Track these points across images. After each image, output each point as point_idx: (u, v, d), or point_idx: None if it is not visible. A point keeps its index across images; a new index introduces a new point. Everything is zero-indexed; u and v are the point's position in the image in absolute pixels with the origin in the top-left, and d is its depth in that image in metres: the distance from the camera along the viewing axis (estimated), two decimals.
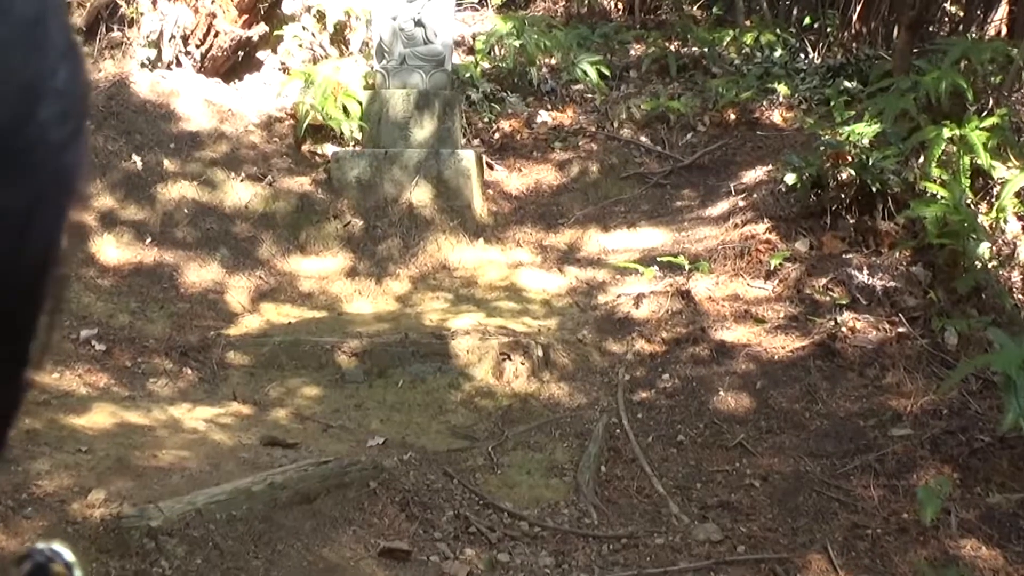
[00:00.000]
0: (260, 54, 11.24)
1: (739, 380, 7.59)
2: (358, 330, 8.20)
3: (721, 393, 7.49)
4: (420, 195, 9.72)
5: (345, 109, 10.23)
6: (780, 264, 8.57)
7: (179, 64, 10.70)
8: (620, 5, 15.40)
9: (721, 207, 9.86)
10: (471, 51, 12.73)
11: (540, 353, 7.85)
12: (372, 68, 10.35)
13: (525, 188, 10.50)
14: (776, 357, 7.77)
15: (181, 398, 7.46)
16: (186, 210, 9.44)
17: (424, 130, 10.00)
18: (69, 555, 0.86)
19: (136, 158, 9.66)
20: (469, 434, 7.20)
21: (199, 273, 8.97)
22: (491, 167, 10.61)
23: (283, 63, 11.22)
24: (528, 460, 6.90)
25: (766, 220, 9.16)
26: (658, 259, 8.82)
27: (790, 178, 8.98)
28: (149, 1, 10.53)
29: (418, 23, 10.07)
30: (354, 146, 10.33)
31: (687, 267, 8.58)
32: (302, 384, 7.70)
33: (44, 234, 0.63)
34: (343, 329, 8.26)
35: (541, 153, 11.00)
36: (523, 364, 7.76)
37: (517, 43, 11.49)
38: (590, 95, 12.10)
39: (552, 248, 9.68)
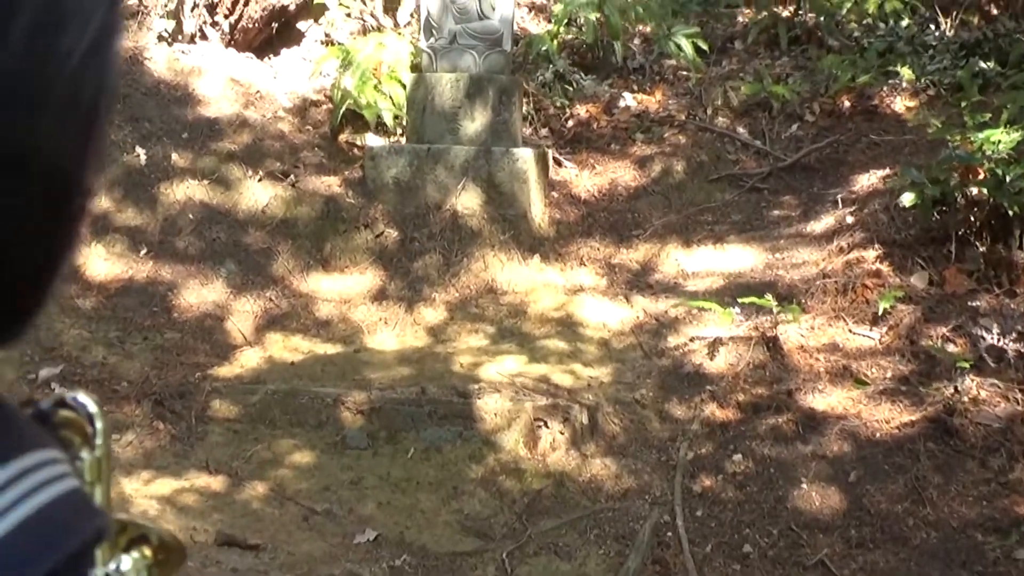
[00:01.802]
0: (301, 24, 9.80)
1: (828, 467, 6.06)
2: (372, 376, 6.81)
3: (804, 486, 5.96)
4: (467, 201, 8.24)
5: (387, 94, 8.76)
6: (891, 306, 6.95)
7: (204, 37, 9.32)
8: None
9: (825, 222, 8.23)
10: (550, 18, 11.13)
11: (584, 419, 6.38)
12: (418, 46, 8.84)
13: (597, 190, 8.95)
14: (877, 435, 6.22)
15: (144, 463, 6.17)
16: (191, 215, 8.08)
17: (475, 123, 8.50)
18: (92, 405, 0.79)
19: (140, 150, 8.32)
20: (484, 530, 5.82)
21: (199, 293, 7.62)
22: (559, 163, 9.07)
23: (327, 35, 9.78)
24: (552, 573, 5.46)
25: (877, 244, 7.55)
26: (741, 300, 7.22)
27: (908, 198, 7.33)
28: None
29: None
30: (394, 139, 8.87)
31: (775, 308, 6.99)
32: (292, 448, 6.34)
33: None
34: (355, 373, 6.87)
35: (620, 146, 9.43)
36: (562, 433, 6.31)
37: (594, 16, 9.86)
38: (684, 72, 10.46)
39: (621, 268, 8.14)
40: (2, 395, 0.67)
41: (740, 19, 11.95)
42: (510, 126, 8.54)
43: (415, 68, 8.91)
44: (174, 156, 8.37)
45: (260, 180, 8.34)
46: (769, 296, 7.09)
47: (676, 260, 8.20)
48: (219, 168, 8.38)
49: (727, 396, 6.63)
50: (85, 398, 0.80)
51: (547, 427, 6.34)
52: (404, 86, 8.75)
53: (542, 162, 8.63)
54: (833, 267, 7.57)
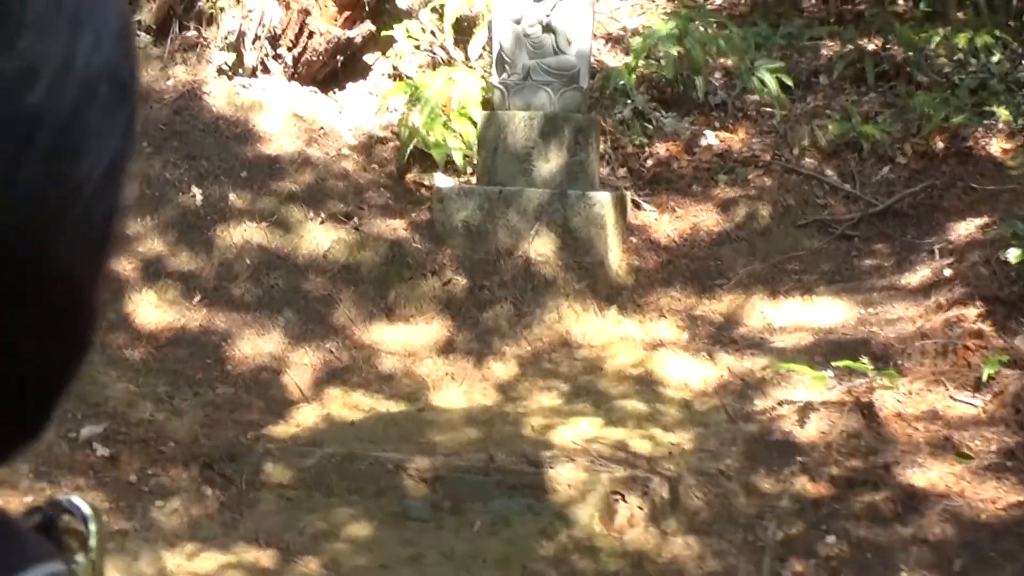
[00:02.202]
0: (368, 57, 9.39)
1: (930, 553, 5.54)
2: (436, 439, 6.36)
3: (904, 574, 5.41)
4: (540, 247, 7.76)
5: (457, 132, 8.31)
6: (995, 371, 6.40)
7: (266, 70, 8.91)
8: None
9: (921, 275, 7.68)
10: (628, 51, 10.63)
11: (664, 492, 5.88)
12: (490, 82, 8.39)
13: (678, 235, 8.43)
14: (983, 517, 5.69)
15: (188, 534, 5.74)
16: (248, 259, 7.67)
17: (549, 164, 8.03)
18: (86, 508, 0.78)
19: (196, 190, 7.93)
20: None
21: (254, 344, 7.19)
22: (638, 206, 8.58)
23: (395, 68, 9.35)
24: None
25: (978, 301, 7.02)
26: (834, 364, 6.68)
27: (1013, 254, 6.77)
28: None
29: (547, 28, 8.09)
30: (464, 180, 8.42)
31: (870, 370, 6.45)
32: (349, 519, 5.89)
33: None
34: (419, 435, 6.42)
35: (702, 188, 8.91)
36: (640, 508, 5.81)
37: (675, 51, 9.36)
38: (768, 109, 9.93)
39: (704, 321, 7.62)
40: (4, 510, 0.67)
41: (824, 52, 11.40)
42: (586, 167, 8.06)
43: (486, 105, 8.46)
44: (232, 196, 7.97)
45: (322, 222, 7.91)
46: (864, 359, 6.54)
47: (762, 313, 7.68)
48: (279, 209, 7.97)
49: (819, 469, 6.11)
50: (80, 501, 0.78)
51: (624, 501, 5.86)
52: (475, 124, 8.30)
53: (620, 205, 8.14)
54: (931, 325, 7.03)
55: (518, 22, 8.15)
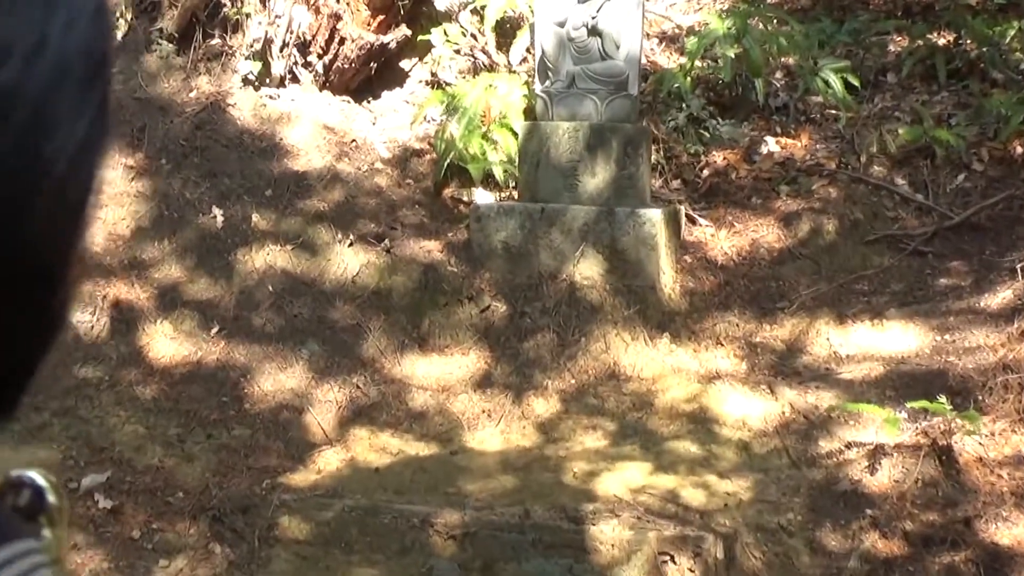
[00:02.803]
0: (405, 63, 8.83)
1: None
2: (468, 488, 5.80)
3: None
4: (586, 270, 7.17)
5: (497, 144, 7.74)
6: None
7: (295, 79, 8.37)
8: None
9: (1002, 296, 7.02)
10: (682, 51, 9.99)
11: (719, 552, 5.28)
12: (532, 90, 7.80)
13: (736, 253, 7.80)
14: None
15: None
16: (271, 286, 7.13)
17: (596, 179, 7.43)
18: (42, 481, 0.82)
19: (217, 211, 7.41)
20: None
21: (275, 379, 6.66)
22: (692, 221, 7.96)
23: (433, 74, 8.78)
24: None
25: None
26: (909, 405, 6.03)
27: None
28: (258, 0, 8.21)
29: (593, 31, 7.48)
30: (505, 196, 7.84)
31: (948, 410, 5.81)
32: None
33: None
34: (449, 484, 5.86)
35: (762, 200, 8.27)
36: (692, 571, 5.21)
37: (732, 53, 8.72)
38: (833, 111, 9.27)
39: (764, 349, 7.00)
40: None
41: (892, 48, 10.71)
42: (636, 182, 7.46)
43: (529, 114, 7.86)
44: (255, 217, 7.44)
45: (351, 245, 7.36)
46: (941, 398, 5.89)
47: (827, 339, 7.04)
48: (305, 231, 7.43)
49: (891, 523, 5.49)
50: (35, 474, 0.81)
51: (674, 562, 5.28)
52: (516, 135, 7.71)
53: (673, 222, 7.53)
54: (1015, 356, 6.37)
55: (562, 25, 7.55)
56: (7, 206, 0.61)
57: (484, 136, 7.83)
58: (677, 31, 10.91)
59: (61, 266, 0.66)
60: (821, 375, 6.72)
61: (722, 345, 7.05)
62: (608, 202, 7.36)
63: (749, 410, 6.46)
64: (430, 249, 7.43)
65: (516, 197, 7.70)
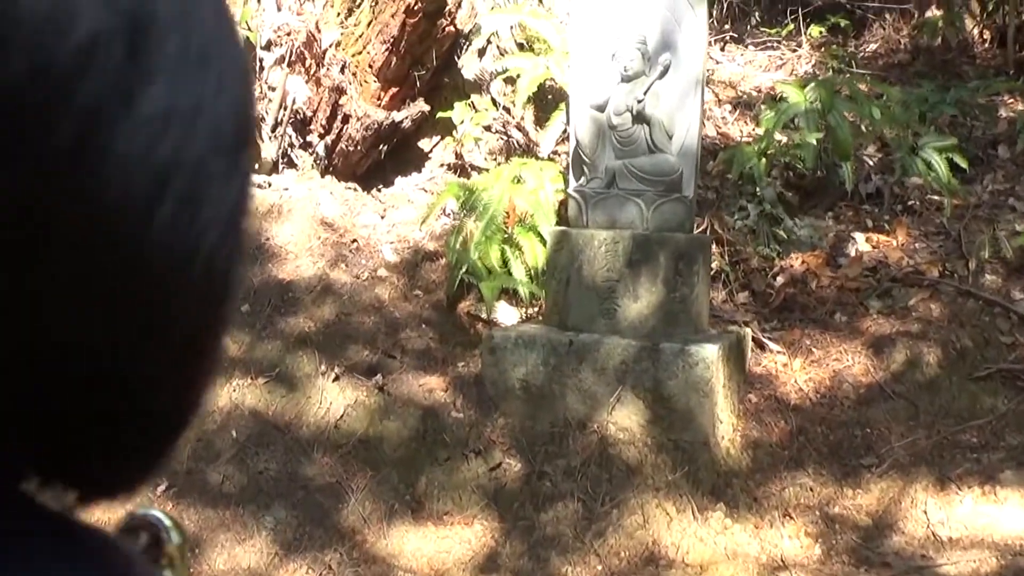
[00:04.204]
0: (425, 143, 7.46)
1: None
2: None
3: None
4: (622, 419, 5.75)
5: (521, 252, 6.35)
6: None
7: (290, 164, 7.03)
8: (987, 34, 10.78)
9: None
10: (758, 118, 8.54)
11: None
12: (565, 188, 6.39)
13: (814, 389, 6.34)
14: None
15: None
16: (235, 431, 5.79)
17: (639, 303, 6.00)
18: (167, 520, 0.84)
19: None
20: None
21: (230, 553, 5.33)
22: (761, 347, 6.50)
23: (458, 156, 7.40)
24: None
25: None
26: None
27: None
28: (255, 71, 6.88)
29: (639, 117, 6.06)
30: (529, 315, 6.44)
31: None
32: None
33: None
34: None
35: (848, 317, 6.80)
36: None
37: (814, 139, 7.24)
38: (936, 196, 7.77)
39: (844, 524, 5.53)
40: (111, 535, 0.70)
41: (1003, 113, 9.19)
42: (690, 307, 6.02)
43: (564, 216, 6.46)
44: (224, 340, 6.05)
45: (336, 378, 6.00)
46: None
47: (924, 512, 5.55)
48: (284, 359, 6.08)
49: None
50: (160, 513, 0.83)
51: None
52: (545, 241, 6.31)
53: (736, 355, 6.09)
54: None
55: (601, 109, 6.14)
56: (164, 285, 0.60)
57: (508, 240, 6.43)
58: (756, 93, 9.47)
59: (211, 339, 0.66)
60: (915, 567, 5.22)
61: (791, 518, 5.58)
62: (653, 333, 5.92)
63: None
64: (432, 387, 6.04)
65: (542, 321, 6.27)
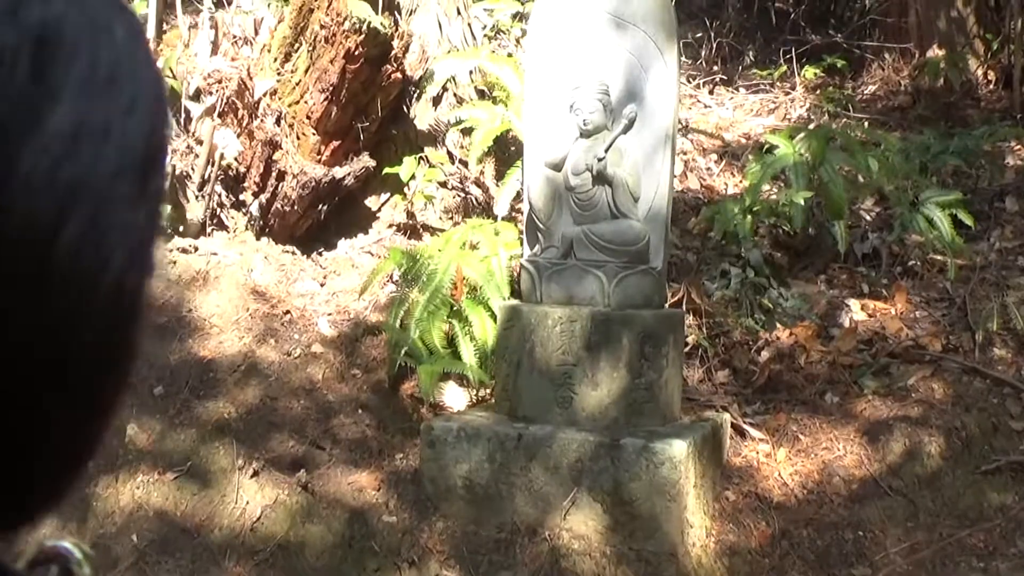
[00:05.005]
0: (373, 200, 6.76)
1: None
2: None
3: None
4: (578, 525, 5.03)
5: (470, 328, 5.63)
6: None
7: (220, 225, 6.33)
8: (992, 75, 10.10)
9: None
10: (743, 169, 7.84)
11: None
12: (519, 257, 5.68)
13: (799, 484, 5.61)
14: None
15: None
16: (136, 535, 5.08)
17: (599, 391, 5.28)
18: (77, 552, 0.81)
19: None
20: None
21: None
22: (742, 434, 5.79)
23: (410, 215, 6.70)
24: None
25: None
26: None
27: None
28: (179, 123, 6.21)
29: (600, 177, 5.36)
30: (480, 397, 5.72)
31: None
32: None
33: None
34: None
35: (839, 398, 6.07)
36: None
37: (802, 199, 6.53)
38: (939, 256, 7.07)
39: None
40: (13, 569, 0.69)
41: (1010, 161, 8.53)
42: (657, 394, 5.29)
43: (510, 289, 5.75)
44: (131, 429, 5.39)
45: (255, 474, 5.28)
46: None
47: None
48: (197, 451, 5.36)
49: None
50: (71, 545, 0.80)
51: None
52: (496, 318, 5.59)
53: (710, 450, 5.37)
54: None
55: (557, 167, 5.44)
56: (69, 302, 0.59)
57: (456, 315, 5.72)
58: (744, 140, 8.79)
59: (116, 367, 0.65)
60: None
61: None
62: (614, 425, 5.20)
63: None
64: (363, 485, 5.31)
65: (491, 411, 5.54)
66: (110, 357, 0.65)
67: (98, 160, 0.59)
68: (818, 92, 9.82)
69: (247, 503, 5.24)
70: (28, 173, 0.56)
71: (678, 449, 4.98)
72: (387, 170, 6.52)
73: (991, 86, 10.01)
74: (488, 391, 5.80)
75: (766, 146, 7.66)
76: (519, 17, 7.94)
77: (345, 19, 6.03)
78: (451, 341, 5.73)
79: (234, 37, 6.68)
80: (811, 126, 8.24)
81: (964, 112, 9.59)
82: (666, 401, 5.34)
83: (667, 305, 5.82)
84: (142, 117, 0.62)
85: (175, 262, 6.14)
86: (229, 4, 7.14)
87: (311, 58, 6.22)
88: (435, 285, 5.66)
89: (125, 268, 0.62)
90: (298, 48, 6.33)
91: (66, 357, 0.61)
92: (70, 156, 0.57)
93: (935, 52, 9.92)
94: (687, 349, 6.05)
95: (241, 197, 6.40)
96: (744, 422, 5.84)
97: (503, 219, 6.30)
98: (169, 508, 5.20)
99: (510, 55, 7.14)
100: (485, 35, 7.66)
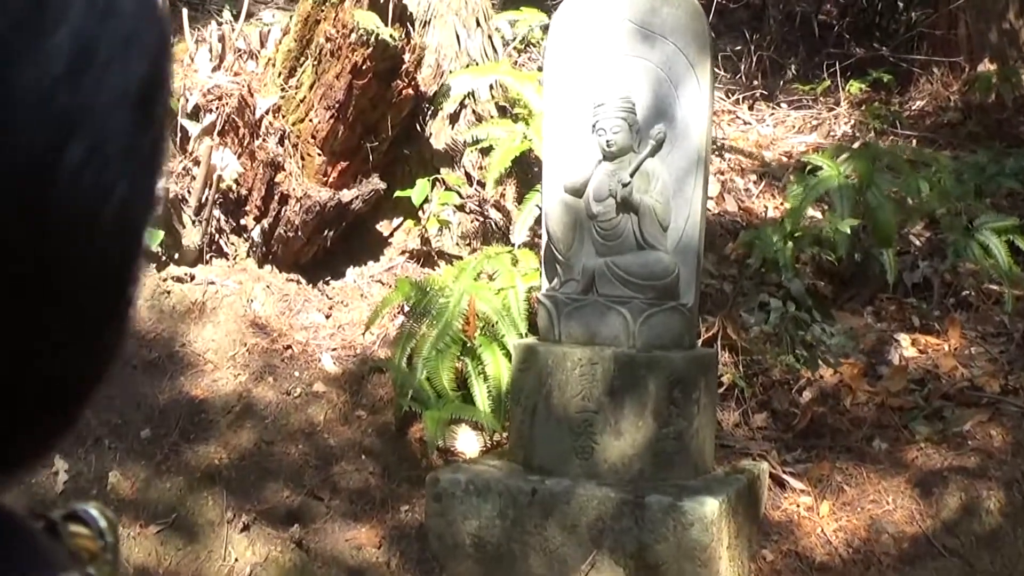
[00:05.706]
0: (384, 225, 6.30)
1: None
2: None
3: None
4: None
5: (483, 368, 5.16)
6: None
7: (219, 252, 5.89)
8: None
9: None
10: (785, 190, 7.33)
11: None
12: (538, 289, 5.20)
13: (844, 541, 5.10)
14: None
15: None
16: None
17: (622, 441, 4.79)
18: (102, 520, 0.74)
19: (61, 463, 4.91)
20: None
21: None
22: (782, 485, 5.27)
23: (424, 240, 6.23)
24: None
25: None
26: None
27: None
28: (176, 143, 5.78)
29: (625, 204, 4.87)
30: (489, 446, 5.25)
31: None
32: None
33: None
34: None
35: (888, 445, 5.56)
36: None
37: (848, 228, 6.02)
38: (995, 286, 6.55)
39: None
40: (24, 518, 0.65)
41: None
42: (687, 444, 4.80)
43: (534, 322, 5.27)
44: (114, 476, 4.94)
45: (245, 528, 4.83)
46: None
47: None
48: (184, 501, 4.91)
49: None
50: (95, 511, 0.75)
51: None
52: (511, 357, 5.11)
53: (746, 505, 4.86)
54: None
55: (578, 193, 4.96)
56: (69, 231, 0.58)
57: (469, 352, 5.24)
58: (786, 160, 8.28)
59: (116, 299, 0.63)
60: None
61: None
62: (639, 478, 4.71)
63: None
64: (363, 542, 4.84)
65: (504, 459, 5.06)
66: (109, 294, 0.61)
67: (99, 87, 0.57)
68: (863, 108, 9.30)
69: (236, 560, 4.79)
70: (27, 89, 0.54)
71: (710, 508, 4.49)
72: (399, 193, 6.05)
73: None
74: (504, 435, 5.31)
75: (808, 166, 7.15)
76: (548, 29, 7.48)
77: (351, 31, 5.58)
78: (463, 381, 5.25)
79: (238, 50, 6.23)
80: (856, 144, 7.73)
81: (1017, 129, 9.06)
82: (697, 451, 4.85)
83: (700, 342, 5.34)
84: (144, 47, 0.60)
85: (169, 292, 5.69)
86: (249, 18, 6.73)
87: (316, 73, 5.77)
88: (445, 321, 5.20)
89: (129, 199, 0.59)
90: (303, 62, 5.88)
91: (63, 290, 0.58)
92: (70, 80, 0.55)
93: (986, 66, 9.41)
94: (721, 390, 5.57)
95: (241, 222, 5.95)
96: (784, 471, 5.33)
97: (522, 247, 5.81)
98: (151, 564, 4.76)
99: (540, 69, 6.66)
100: (514, 48, 7.22)
